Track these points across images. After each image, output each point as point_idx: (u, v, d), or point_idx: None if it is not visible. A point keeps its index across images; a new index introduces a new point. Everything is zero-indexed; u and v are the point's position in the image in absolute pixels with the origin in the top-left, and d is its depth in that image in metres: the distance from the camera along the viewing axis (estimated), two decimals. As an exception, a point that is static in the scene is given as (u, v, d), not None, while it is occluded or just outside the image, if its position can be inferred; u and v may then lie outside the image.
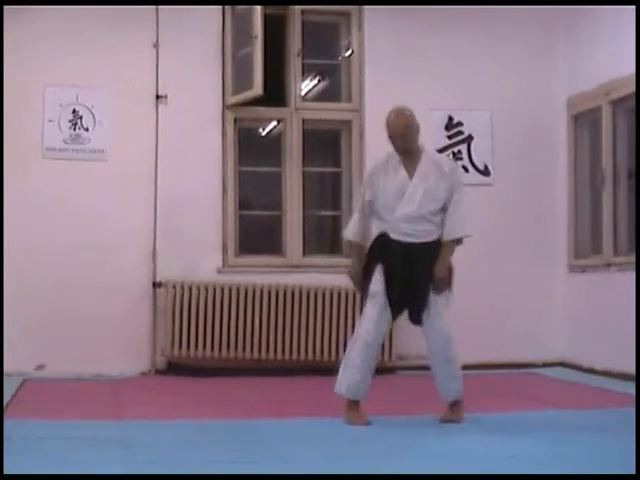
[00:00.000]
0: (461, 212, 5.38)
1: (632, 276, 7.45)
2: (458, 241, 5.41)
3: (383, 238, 5.41)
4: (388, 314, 5.38)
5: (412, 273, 5.33)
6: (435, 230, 5.37)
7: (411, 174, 5.36)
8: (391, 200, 5.36)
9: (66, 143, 7.89)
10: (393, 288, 5.33)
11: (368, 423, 5.32)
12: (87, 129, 7.94)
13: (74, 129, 7.91)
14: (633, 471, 3.97)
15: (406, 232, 5.33)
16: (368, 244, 5.52)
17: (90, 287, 7.76)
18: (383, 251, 5.40)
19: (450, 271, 5.39)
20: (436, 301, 5.33)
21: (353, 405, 5.39)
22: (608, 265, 7.93)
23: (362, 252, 5.54)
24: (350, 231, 5.58)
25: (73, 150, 7.90)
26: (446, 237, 5.37)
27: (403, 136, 5.35)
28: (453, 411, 5.42)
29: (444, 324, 5.35)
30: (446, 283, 5.36)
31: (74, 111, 7.91)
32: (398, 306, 5.38)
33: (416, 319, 5.38)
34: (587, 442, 4.89)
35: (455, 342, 5.39)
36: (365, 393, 5.40)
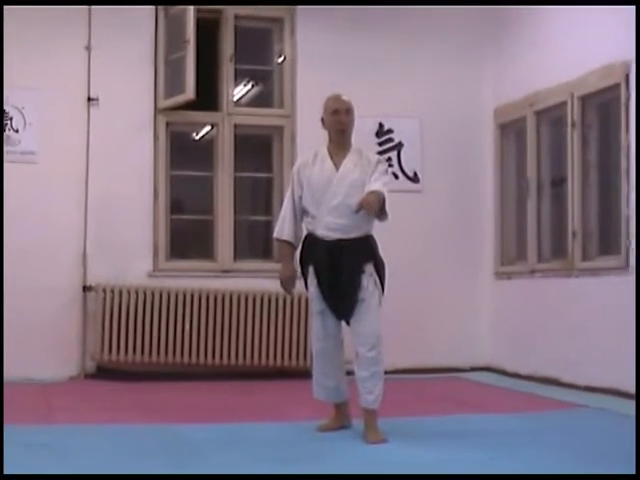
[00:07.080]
0: (383, 184, 5.12)
1: (555, 282, 7.68)
2: (381, 210, 5.06)
3: (310, 238, 5.25)
4: (330, 316, 5.24)
5: (338, 271, 5.12)
6: (361, 225, 5.16)
7: (338, 166, 5.21)
8: (317, 192, 5.18)
9: (-5, 144, 7.82)
10: (323, 288, 5.21)
11: (337, 427, 5.34)
12: (17, 130, 7.87)
13: (4, 130, 7.84)
14: (633, 471, 4.05)
15: (332, 227, 5.14)
16: (299, 245, 5.34)
17: (20, 290, 7.68)
18: (311, 252, 5.25)
19: (381, 201, 5.03)
20: (366, 300, 5.12)
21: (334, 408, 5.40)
22: (532, 272, 8.12)
23: (293, 253, 5.36)
24: (282, 231, 5.34)
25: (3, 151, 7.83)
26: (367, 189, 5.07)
27: (347, 111, 5.24)
28: (371, 426, 5.12)
29: (373, 322, 5.12)
30: (373, 207, 4.96)
31: (4, 112, 7.84)
32: (334, 306, 5.22)
33: (345, 319, 5.20)
34: (506, 444, 4.97)
35: (383, 344, 5.16)
36: (341, 396, 5.37)
